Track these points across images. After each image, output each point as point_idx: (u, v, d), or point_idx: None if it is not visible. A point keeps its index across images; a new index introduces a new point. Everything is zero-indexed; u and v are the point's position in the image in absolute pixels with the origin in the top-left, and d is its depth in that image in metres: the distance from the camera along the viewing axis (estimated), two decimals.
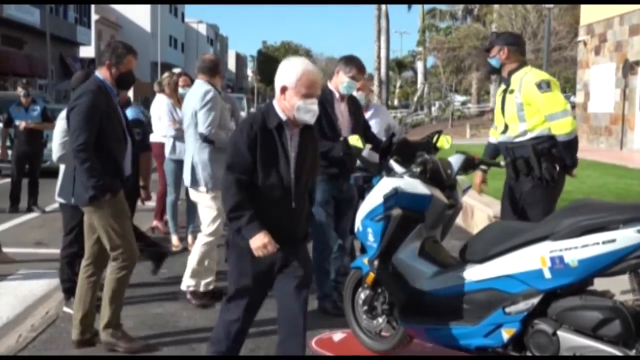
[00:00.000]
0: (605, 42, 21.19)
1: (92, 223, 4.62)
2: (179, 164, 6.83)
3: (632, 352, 3.30)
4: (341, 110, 5.34)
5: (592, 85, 21.94)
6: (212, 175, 5.55)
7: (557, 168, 4.86)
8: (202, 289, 5.61)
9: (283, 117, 3.58)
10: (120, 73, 4.61)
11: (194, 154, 5.60)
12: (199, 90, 5.62)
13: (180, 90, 7.73)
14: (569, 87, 38.66)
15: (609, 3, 20.06)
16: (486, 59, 5.29)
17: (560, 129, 4.76)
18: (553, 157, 4.83)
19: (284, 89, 3.55)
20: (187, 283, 5.61)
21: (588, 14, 22.51)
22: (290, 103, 3.53)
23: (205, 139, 5.56)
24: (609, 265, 3.37)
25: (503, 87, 5.16)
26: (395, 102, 64.58)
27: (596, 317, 3.37)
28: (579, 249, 3.40)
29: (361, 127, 5.42)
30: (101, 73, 4.60)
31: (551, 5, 19.94)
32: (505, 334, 3.66)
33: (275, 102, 3.62)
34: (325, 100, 5.15)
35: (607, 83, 20.83)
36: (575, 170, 5.01)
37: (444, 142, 4.68)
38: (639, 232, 3.28)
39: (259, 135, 3.51)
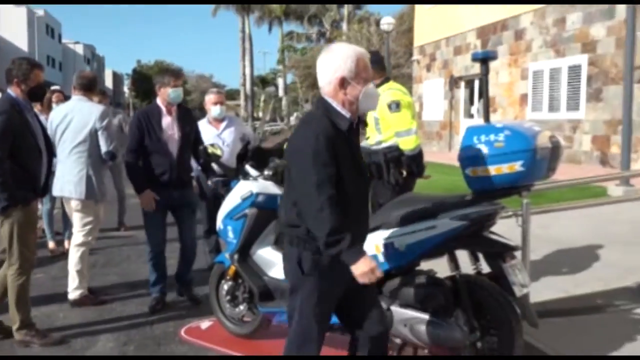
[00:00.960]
0: (434, 60, 22.28)
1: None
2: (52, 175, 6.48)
3: (452, 320, 3.49)
4: (169, 123, 5.09)
5: (425, 97, 22.99)
6: (103, 188, 5.42)
7: (405, 174, 4.98)
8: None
9: (347, 114, 2.83)
10: (30, 88, 4.42)
11: (86, 168, 5.28)
12: (94, 109, 5.34)
13: (54, 106, 7.35)
14: None
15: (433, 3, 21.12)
16: None
17: (405, 145, 4.89)
18: (401, 164, 4.95)
19: (343, 82, 2.78)
20: (79, 291, 5.31)
21: (420, 36, 23.58)
22: (353, 94, 2.79)
23: (113, 156, 5.39)
24: (431, 248, 3.54)
25: None
26: (261, 114, 64.62)
27: (421, 292, 3.54)
28: (406, 236, 3.55)
29: (190, 139, 5.21)
30: (12, 90, 4.39)
31: (390, 28, 20.73)
32: None
33: (330, 100, 2.82)
34: (151, 115, 5.05)
35: (437, 95, 21.92)
36: (427, 173, 5.13)
37: None
38: (454, 219, 3.47)
39: (331, 141, 2.72)
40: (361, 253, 2.71)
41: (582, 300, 4.74)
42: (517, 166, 3.32)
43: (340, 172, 2.73)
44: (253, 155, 4.51)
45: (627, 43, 9.63)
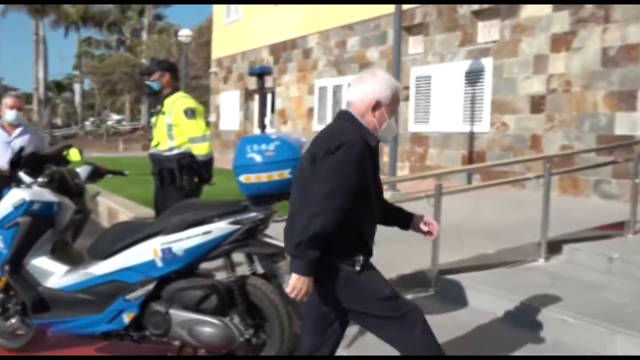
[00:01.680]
0: (231, 73, 22.38)
1: None
2: None
3: (227, 319, 3.49)
4: None
5: (222, 108, 23.01)
6: None
7: (196, 179, 4.94)
8: None
9: (374, 133, 2.73)
10: None
11: None
12: None
13: None
14: (205, 109, 40.18)
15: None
16: (138, 82, 5.18)
17: (199, 150, 4.85)
18: (193, 170, 4.89)
19: (377, 105, 2.70)
20: None
21: (218, 50, 23.55)
22: (380, 120, 2.71)
23: None
24: (208, 251, 3.52)
25: (160, 107, 5.08)
26: (59, 121, 60.08)
27: (198, 295, 3.50)
28: (184, 240, 3.50)
29: None
30: None
31: (188, 40, 20.49)
32: (126, 317, 3.60)
33: (359, 118, 2.71)
34: None
35: (233, 106, 22.05)
36: (214, 180, 5.10)
37: (73, 155, 4.47)
38: (229, 223, 3.49)
39: (363, 153, 2.62)
40: (312, 271, 2.54)
41: None
42: (286, 174, 3.42)
43: (367, 183, 2.65)
44: (27, 161, 4.15)
45: (393, 66, 10.47)
